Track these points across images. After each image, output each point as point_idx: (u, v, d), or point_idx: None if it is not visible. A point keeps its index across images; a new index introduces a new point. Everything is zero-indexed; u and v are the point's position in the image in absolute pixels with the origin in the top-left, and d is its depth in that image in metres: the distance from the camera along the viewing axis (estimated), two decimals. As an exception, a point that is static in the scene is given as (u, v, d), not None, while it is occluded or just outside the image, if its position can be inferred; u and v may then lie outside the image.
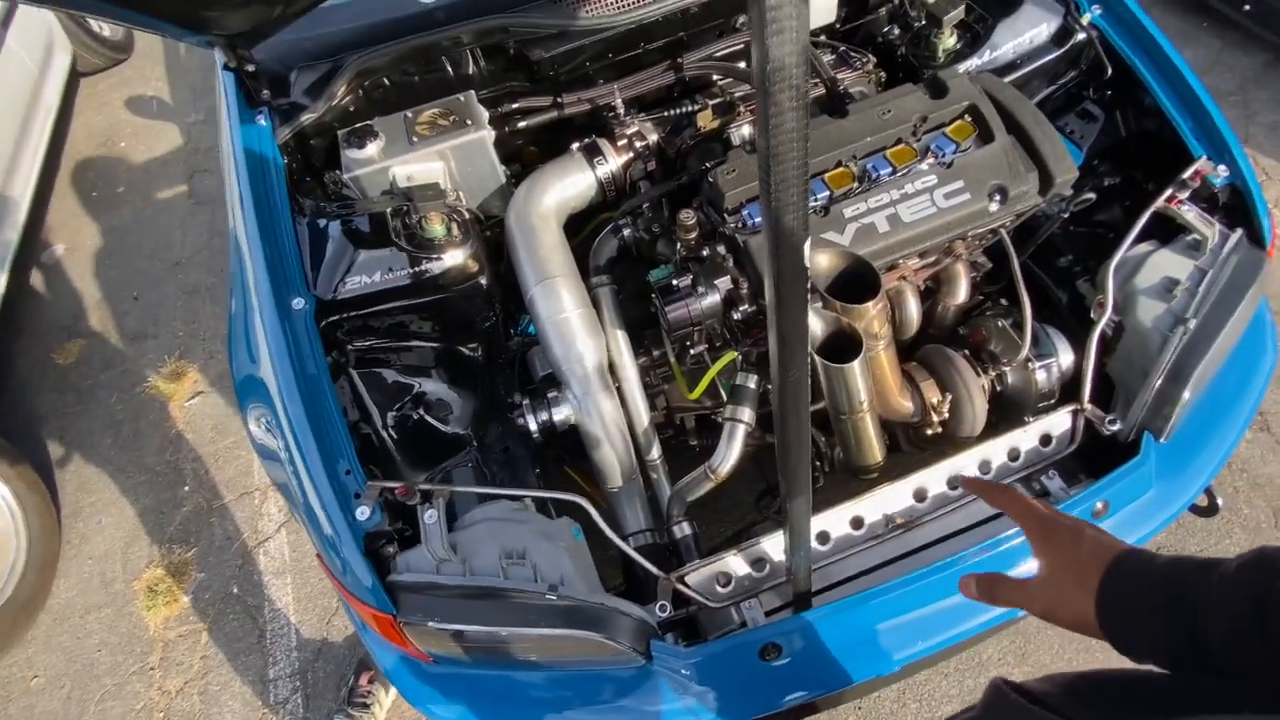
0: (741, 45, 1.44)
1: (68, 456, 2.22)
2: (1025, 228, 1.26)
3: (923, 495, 1.11)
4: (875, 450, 1.14)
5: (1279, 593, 0.47)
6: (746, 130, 1.28)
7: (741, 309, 1.07)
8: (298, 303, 1.14)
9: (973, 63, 1.32)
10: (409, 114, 1.35)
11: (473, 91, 1.38)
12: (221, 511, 2.02)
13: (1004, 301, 1.33)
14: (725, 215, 1.08)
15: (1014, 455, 1.13)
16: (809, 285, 0.55)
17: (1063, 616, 0.58)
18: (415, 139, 1.31)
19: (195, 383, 2.29)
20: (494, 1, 1.32)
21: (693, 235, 1.12)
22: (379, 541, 1.00)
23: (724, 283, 1.07)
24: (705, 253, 1.11)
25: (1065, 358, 1.15)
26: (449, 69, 1.40)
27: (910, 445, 1.22)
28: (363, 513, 0.98)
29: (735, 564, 1.09)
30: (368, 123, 1.34)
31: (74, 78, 3.21)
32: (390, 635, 1.01)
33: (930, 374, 1.14)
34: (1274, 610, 0.46)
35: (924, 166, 1.08)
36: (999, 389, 1.16)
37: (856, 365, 0.94)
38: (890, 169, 1.07)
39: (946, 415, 1.13)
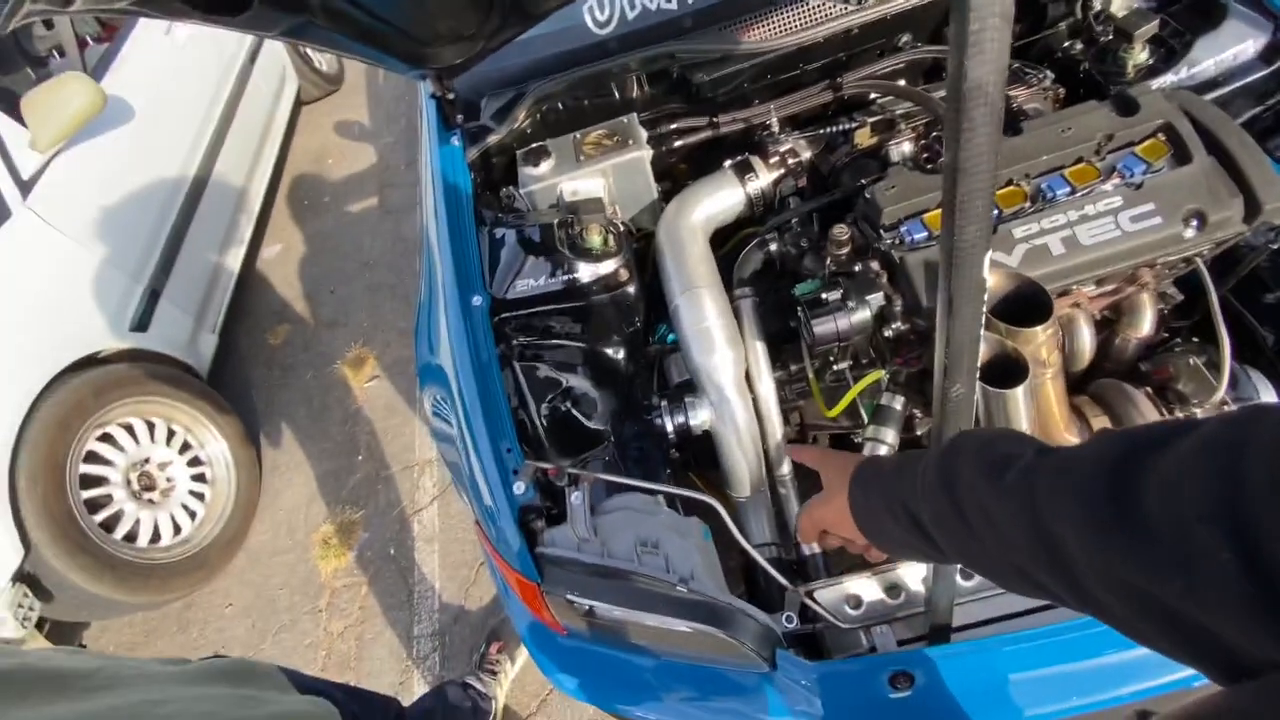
0: (903, 64, 1.42)
1: (272, 421, 2.64)
2: (1227, 258, 1.13)
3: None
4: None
5: (958, 473, 0.51)
6: (907, 147, 1.26)
7: (893, 326, 1.06)
8: (476, 300, 1.29)
9: (1167, 79, 1.21)
10: (578, 135, 1.48)
11: (635, 114, 1.49)
12: (387, 480, 2.29)
13: (1195, 339, 1.19)
14: (881, 231, 1.08)
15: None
16: (984, 302, 0.55)
17: (832, 516, 0.70)
18: (582, 158, 1.44)
19: (374, 367, 2.63)
20: (662, 31, 1.42)
21: (844, 250, 1.13)
22: (530, 515, 1.10)
23: (876, 299, 1.06)
24: (856, 269, 1.12)
25: (1268, 400, 1.02)
26: (616, 93, 1.52)
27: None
28: (519, 488, 1.09)
29: (868, 587, 1.07)
30: (542, 143, 1.49)
31: (298, 105, 3.83)
32: (532, 603, 1.11)
33: (1104, 410, 1.06)
34: (960, 499, 0.50)
35: (1108, 187, 1.01)
36: (1186, 433, 1.04)
37: (1020, 392, 0.90)
38: (1069, 189, 1.01)
39: (1119, 456, 1.03)
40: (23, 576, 1.81)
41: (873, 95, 1.44)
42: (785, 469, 1.31)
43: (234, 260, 2.93)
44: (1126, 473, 0.38)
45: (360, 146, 3.62)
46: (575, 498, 1.07)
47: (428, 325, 1.40)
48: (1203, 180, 0.99)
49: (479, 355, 1.22)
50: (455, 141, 1.52)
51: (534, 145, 1.49)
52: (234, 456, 2.36)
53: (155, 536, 2.16)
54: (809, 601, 1.05)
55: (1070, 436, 1.04)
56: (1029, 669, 0.98)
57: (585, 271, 1.33)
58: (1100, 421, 1.03)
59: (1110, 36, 1.30)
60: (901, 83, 1.43)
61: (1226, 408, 1.01)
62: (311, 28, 0.95)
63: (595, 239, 1.33)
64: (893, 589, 1.06)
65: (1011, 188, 1.03)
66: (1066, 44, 1.37)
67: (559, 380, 1.40)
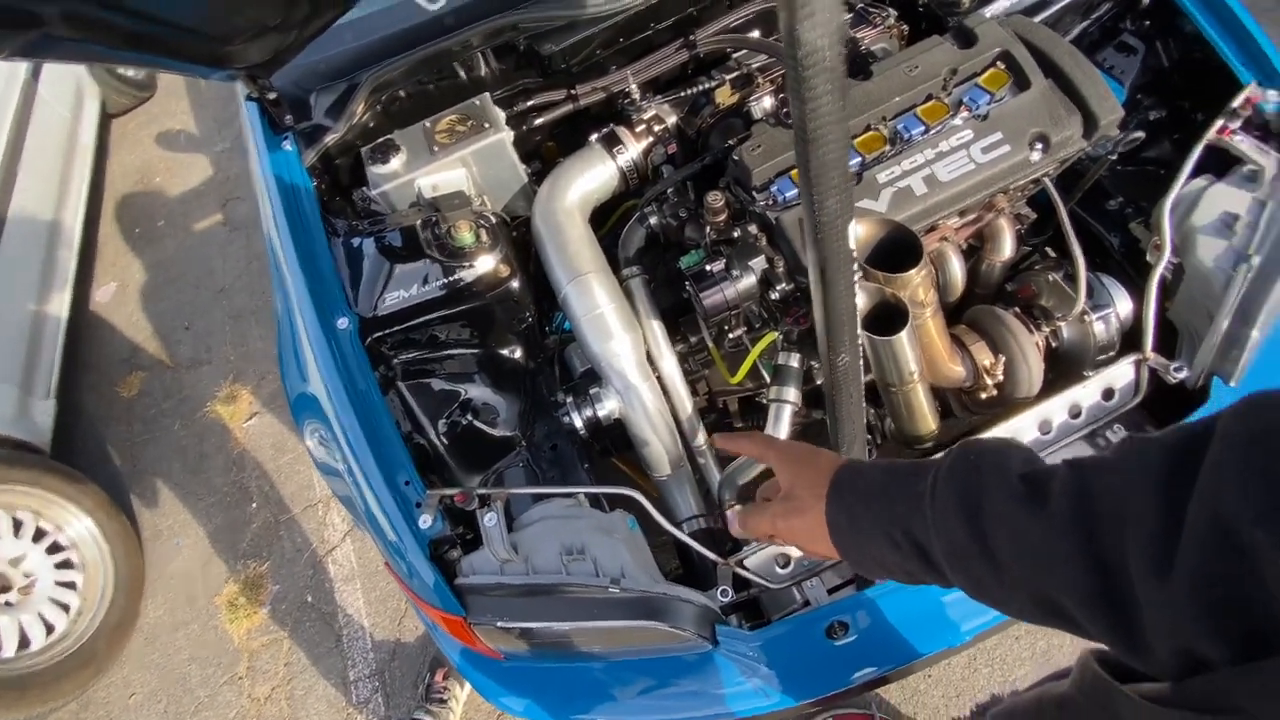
0: (753, 14, 1.39)
1: (141, 484, 2.35)
2: (1071, 172, 1.20)
3: (981, 461, 1.08)
4: (929, 420, 1.12)
5: (986, 494, 0.46)
6: (768, 102, 1.25)
7: (779, 288, 1.05)
8: (342, 322, 1.16)
9: (1000, 5, 1.26)
10: (427, 123, 1.36)
11: (488, 94, 1.38)
12: (289, 525, 2.11)
13: (1053, 253, 1.27)
14: (754, 193, 1.06)
15: (1075, 412, 1.09)
16: (853, 269, 0.53)
17: (802, 534, 0.58)
18: (436, 148, 1.32)
19: (251, 404, 2.38)
20: (500, 1, 1.31)
21: (721, 217, 1.11)
22: (443, 547, 1.03)
23: (758, 263, 1.05)
24: (736, 234, 1.10)
25: (1123, 306, 1.10)
26: (462, 73, 1.40)
27: (965, 410, 1.19)
28: (425, 521, 1.01)
29: (793, 544, 1.09)
30: (389, 137, 1.35)
31: (105, 119, 3.32)
32: (461, 636, 1.05)
33: (981, 336, 1.11)
34: (986, 516, 0.45)
35: (958, 121, 1.04)
36: (1055, 345, 1.12)
37: (904, 336, 0.91)
38: (923, 128, 1.03)
39: (1001, 377, 1.09)
40: None
41: (729, 49, 1.40)
42: (700, 440, 1.30)
43: (58, 308, 2.53)
44: (1177, 485, 0.37)
45: (190, 158, 3.20)
46: (489, 519, 1.00)
47: (292, 350, 1.26)
48: (1043, 104, 1.04)
49: (354, 384, 1.11)
50: (288, 146, 1.35)
51: (380, 140, 1.35)
52: (102, 532, 2.07)
53: (24, 642, 1.88)
54: (740, 570, 1.05)
55: (955, 366, 1.08)
56: (942, 595, 1.04)
57: (461, 272, 1.23)
58: (980, 349, 1.09)
59: (943, -32, 1.33)
60: (755, 34, 1.40)
61: (1087, 318, 1.09)
62: (57, 42, 0.78)
63: (465, 235, 1.23)
64: (818, 542, 1.08)
65: (871, 133, 1.03)
66: (905, -23, 1.38)
67: (455, 392, 1.30)
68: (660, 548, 1.18)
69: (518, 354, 1.35)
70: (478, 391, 1.30)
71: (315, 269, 1.21)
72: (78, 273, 2.69)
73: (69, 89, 3.01)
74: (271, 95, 1.33)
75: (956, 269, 1.15)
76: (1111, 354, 1.11)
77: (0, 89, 2.60)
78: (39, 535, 1.98)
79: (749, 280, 1.06)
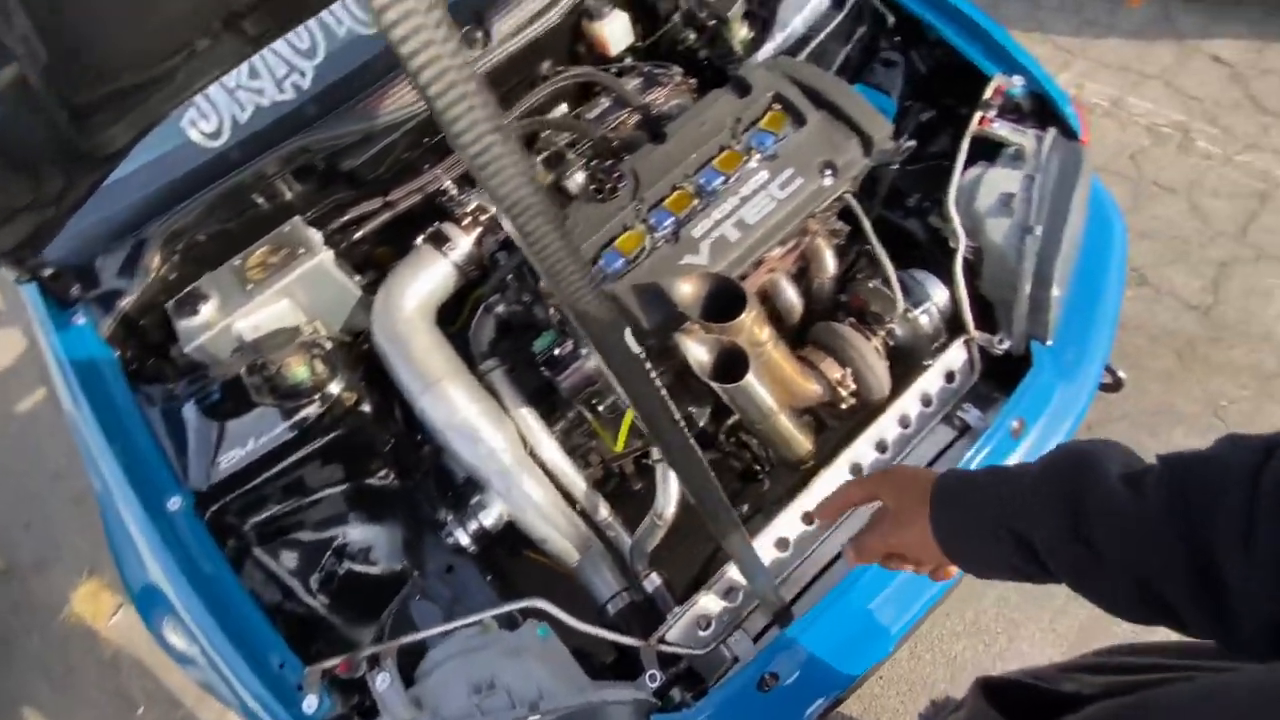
0: (553, 91, 1.42)
1: (7, 715, 1.99)
2: (869, 183, 1.30)
3: (858, 469, 1.12)
4: (802, 441, 1.15)
5: (1088, 489, 0.49)
6: (580, 178, 1.26)
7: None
8: (173, 502, 1.05)
9: (768, 49, 1.36)
10: (236, 261, 1.27)
11: (298, 217, 1.31)
12: (185, 722, 1.85)
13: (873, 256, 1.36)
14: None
15: (926, 401, 1.15)
16: (636, 343, 0.53)
17: (914, 543, 0.61)
18: (250, 285, 1.23)
19: (114, 597, 2.09)
20: (286, 126, 1.26)
21: (554, 299, 1.10)
22: (339, 727, 0.92)
23: (602, 337, 1.05)
24: (574, 313, 1.09)
25: (939, 295, 1.19)
26: (263, 203, 1.32)
27: (833, 420, 1.23)
28: (310, 704, 0.91)
29: (710, 603, 1.07)
30: (195, 285, 1.25)
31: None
32: (381, 818, 0.94)
33: (827, 352, 1.16)
34: (1086, 523, 0.48)
35: (753, 165, 1.09)
36: (891, 345, 1.19)
37: (750, 378, 0.93)
38: (723, 178, 1.08)
39: (854, 386, 1.14)
40: None
41: (537, 130, 1.42)
42: (604, 513, 1.27)
43: None
44: (1265, 471, 0.40)
45: (0, 334, 2.85)
46: (381, 681, 0.91)
47: (127, 542, 1.11)
48: (821, 135, 1.12)
49: (199, 569, 0.99)
50: (80, 320, 1.22)
51: (185, 291, 1.24)
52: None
53: None
54: (662, 647, 1.02)
55: (810, 386, 1.12)
56: (873, 596, 1.05)
57: (304, 410, 1.14)
58: (829, 365, 1.13)
59: (713, 21, 1.42)
60: (560, 111, 1.43)
61: (911, 314, 1.16)
62: None
63: (299, 371, 1.15)
64: (730, 593, 1.07)
65: (678, 192, 1.07)
66: (682, 36, 1.47)
67: (326, 540, 1.20)
68: (591, 638, 1.12)
69: (390, 478, 1.27)
70: (354, 532, 1.20)
71: (131, 448, 1.09)
72: None
73: None
74: (47, 271, 1.20)
75: (791, 295, 1.21)
76: (942, 340, 1.20)
77: None
78: None
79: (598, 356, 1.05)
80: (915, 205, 1.37)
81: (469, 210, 1.32)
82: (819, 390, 1.13)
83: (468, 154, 0.36)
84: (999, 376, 1.19)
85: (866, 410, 1.17)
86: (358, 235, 1.36)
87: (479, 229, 1.33)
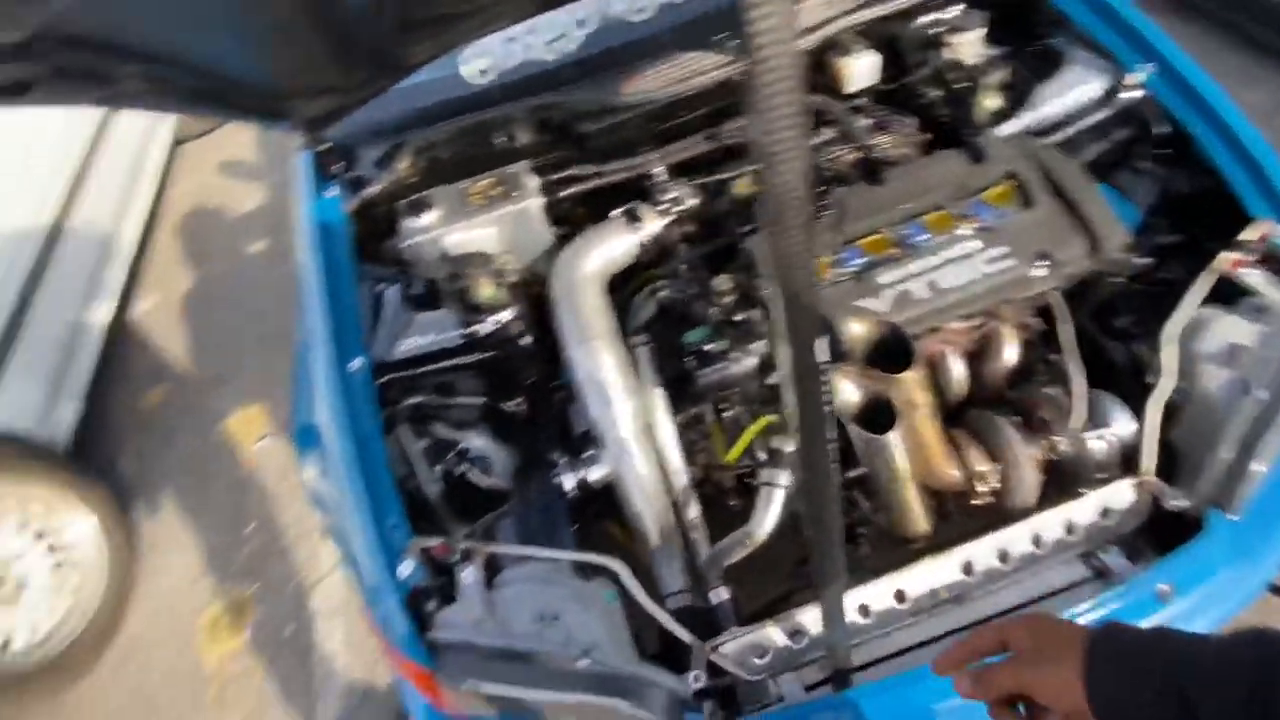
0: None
1: (148, 493, 2.39)
2: (1081, 288, 1.22)
3: (970, 569, 1.06)
4: (919, 520, 1.11)
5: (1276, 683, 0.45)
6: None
7: (777, 373, 1.07)
8: (356, 363, 1.21)
9: (1016, 124, 1.31)
10: (464, 185, 1.44)
11: (524, 162, 1.47)
12: (281, 553, 2.11)
13: (1058, 363, 1.28)
14: (761, 280, 1.10)
15: (1070, 529, 1.07)
16: (828, 354, 0.56)
17: (1053, 681, 0.57)
18: (469, 208, 1.40)
19: (264, 426, 2.43)
20: (543, 81, 1.41)
21: (728, 299, 1.14)
22: (421, 597, 1.03)
23: (759, 347, 1.08)
24: (740, 318, 1.13)
25: (1124, 427, 1.10)
26: (502, 142, 1.49)
27: (960, 514, 1.17)
28: (405, 569, 1.02)
29: (773, 635, 1.07)
30: (426, 193, 1.43)
31: (174, 143, 3.56)
32: (428, 690, 1.03)
33: (978, 442, 1.11)
34: (1270, 700, 0.45)
35: (964, 231, 1.07)
36: (1052, 459, 1.11)
37: (893, 436, 0.92)
38: (928, 235, 1.07)
39: (996, 485, 1.09)
40: None
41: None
42: (694, 513, 1.30)
43: (100, 315, 2.65)
44: None
45: (246, 187, 3.40)
46: (467, 575, 1.01)
47: (306, 383, 1.31)
48: (1047, 223, 1.07)
49: (359, 425, 1.14)
50: (332, 192, 1.44)
51: (417, 196, 1.43)
52: (103, 538, 2.10)
53: (5, 644, 1.89)
54: (714, 657, 1.03)
55: (950, 469, 1.08)
56: (932, 701, 1.00)
57: (477, 325, 1.28)
58: (976, 455, 1.08)
59: (964, 84, 1.40)
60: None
61: (1086, 435, 1.08)
62: (129, 96, 0.86)
63: (485, 291, 1.28)
64: (796, 634, 1.06)
65: (877, 236, 1.07)
66: (924, 91, 1.46)
67: (455, 441, 1.33)
68: (644, 620, 1.16)
69: (522, 408, 1.39)
70: (478, 442, 1.33)
71: (339, 309, 1.28)
72: (125, 285, 2.83)
73: (144, 113, 3.25)
74: (324, 146, 1.43)
75: (958, 372, 1.16)
76: (1110, 474, 1.10)
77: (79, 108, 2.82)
78: (39, 535, 2.01)
79: (749, 363, 1.08)
80: (1125, 326, 1.27)
81: (668, 198, 1.40)
82: (957, 476, 1.09)
83: (763, 126, 0.41)
84: (1158, 530, 1.08)
85: (999, 514, 1.11)
86: (567, 192, 1.49)
87: (670, 218, 1.41)
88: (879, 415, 0.91)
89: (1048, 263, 1.05)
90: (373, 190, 1.43)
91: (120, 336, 2.84)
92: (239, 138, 3.68)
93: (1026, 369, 1.24)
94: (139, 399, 2.66)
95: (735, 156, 1.46)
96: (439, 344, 1.26)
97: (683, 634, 1.05)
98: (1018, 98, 1.39)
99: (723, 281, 1.14)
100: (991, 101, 1.36)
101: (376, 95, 1.27)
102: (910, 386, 0.95)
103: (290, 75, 1.10)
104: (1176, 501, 1.02)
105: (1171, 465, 1.09)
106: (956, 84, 1.41)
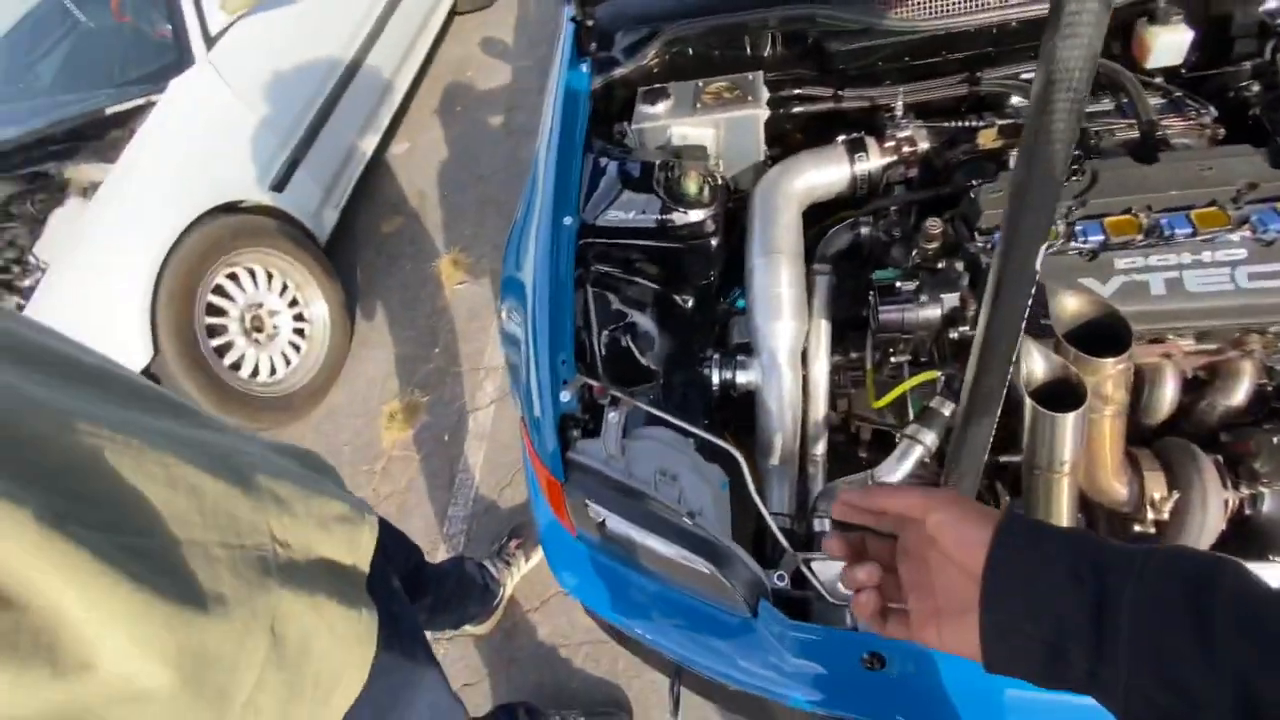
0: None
1: (368, 299, 2.88)
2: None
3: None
4: (1065, 522, 1.05)
5: (1223, 572, 0.40)
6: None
7: (960, 329, 1.04)
8: (567, 220, 1.37)
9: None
10: (700, 83, 1.50)
11: (761, 72, 1.49)
12: (455, 377, 2.48)
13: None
14: (976, 233, 1.06)
15: (1242, 592, 0.95)
16: (1032, 293, 0.56)
17: (950, 538, 0.48)
18: (699, 105, 1.46)
19: (466, 272, 2.80)
20: (809, -10, 1.40)
21: (933, 245, 1.11)
22: (569, 423, 1.19)
23: (950, 298, 1.05)
24: (941, 265, 1.10)
25: (1358, 508, 0.94)
26: (748, 48, 1.52)
27: (1110, 531, 1.09)
28: (565, 396, 1.18)
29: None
30: (664, 85, 1.52)
31: (452, 14, 3.99)
32: (555, 500, 1.21)
33: (1162, 467, 1.01)
34: (1206, 604, 0.40)
35: (1235, 238, 0.94)
36: (1247, 511, 0.98)
37: (1070, 419, 0.87)
38: (1190, 229, 0.95)
39: (1165, 516, 0.99)
40: (146, 374, 2.12)
41: (1014, 99, 1.36)
42: (820, 449, 1.33)
43: (368, 146, 3.16)
44: None
45: (499, 64, 3.75)
46: (612, 416, 1.14)
47: (517, 243, 1.50)
48: (1351, 252, 0.90)
49: (558, 270, 1.30)
50: (584, 68, 1.58)
51: (656, 85, 1.52)
52: (331, 320, 2.61)
53: (255, 371, 2.45)
54: (804, 568, 1.08)
55: (1118, 484, 1.00)
56: (1013, 686, 0.98)
57: (674, 215, 1.37)
58: (1155, 480, 0.99)
59: (1301, 83, 1.17)
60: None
61: (1302, 496, 0.94)
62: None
63: (691, 186, 1.36)
64: (891, 582, 1.08)
65: (1126, 216, 0.98)
66: (1244, 84, 1.24)
67: (625, 313, 1.46)
68: (739, 531, 1.24)
69: (689, 303, 1.48)
70: (643, 319, 1.45)
71: (566, 171, 1.43)
72: (390, 126, 3.32)
73: (437, -18, 3.68)
74: (590, 22, 1.56)
75: (1169, 392, 1.05)
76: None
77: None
78: (293, 302, 2.54)
79: (933, 311, 1.06)
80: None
81: (900, 136, 1.36)
82: (1124, 494, 1.00)
83: (1048, 69, 0.42)
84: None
85: (1158, 547, 1.01)
86: (795, 110, 1.50)
87: (894, 157, 1.37)
88: (1063, 394, 0.86)
89: (1334, 298, 0.89)
90: (620, 72, 1.54)
91: (376, 168, 3.35)
92: (504, 19, 4.03)
93: (1248, 413, 1.08)
94: (378, 223, 3.17)
95: (986, 108, 1.37)
96: (638, 222, 1.37)
97: (782, 540, 1.11)
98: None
99: (934, 225, 1.11)
100: (1332, 107, 1.13)
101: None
102: (1108, 378, 0.88)
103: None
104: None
105: None
106: (1292, 81, 1.19)
